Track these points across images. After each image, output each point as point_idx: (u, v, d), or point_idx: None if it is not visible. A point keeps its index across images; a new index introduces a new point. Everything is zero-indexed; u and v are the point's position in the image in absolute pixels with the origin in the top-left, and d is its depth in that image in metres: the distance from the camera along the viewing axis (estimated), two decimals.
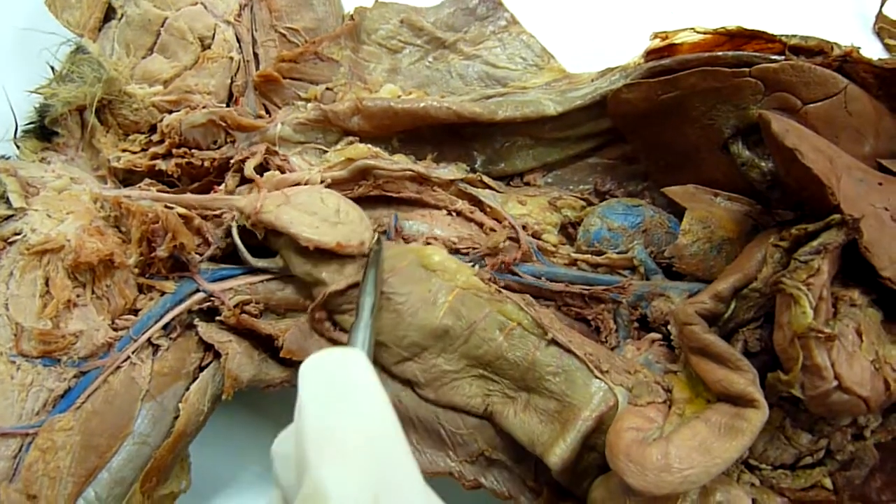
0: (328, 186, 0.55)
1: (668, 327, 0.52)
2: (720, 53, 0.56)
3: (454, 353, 0.50)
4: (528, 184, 0.64)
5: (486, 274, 0.53)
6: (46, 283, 0.48)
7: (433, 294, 0.50)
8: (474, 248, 0.55)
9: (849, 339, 0.44)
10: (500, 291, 0.51)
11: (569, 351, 0.48)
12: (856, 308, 0.46)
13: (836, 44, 0.54)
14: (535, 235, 0.58)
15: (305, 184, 0.54)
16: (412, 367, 0.51)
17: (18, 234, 0.49)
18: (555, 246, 0.57)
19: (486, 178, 0.62)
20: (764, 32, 0.56)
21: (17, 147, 0.56)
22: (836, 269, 0.46)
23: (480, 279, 0.52)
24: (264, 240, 0.53)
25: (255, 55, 0.60)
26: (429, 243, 0.55)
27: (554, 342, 0.49)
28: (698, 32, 0.58)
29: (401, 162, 0.57)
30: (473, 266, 0.54)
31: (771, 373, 0.45)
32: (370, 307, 0.47)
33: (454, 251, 0.55)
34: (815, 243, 0.44)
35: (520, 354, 0.49)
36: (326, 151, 0.59)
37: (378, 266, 0.50)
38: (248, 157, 0.54)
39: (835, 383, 0.43)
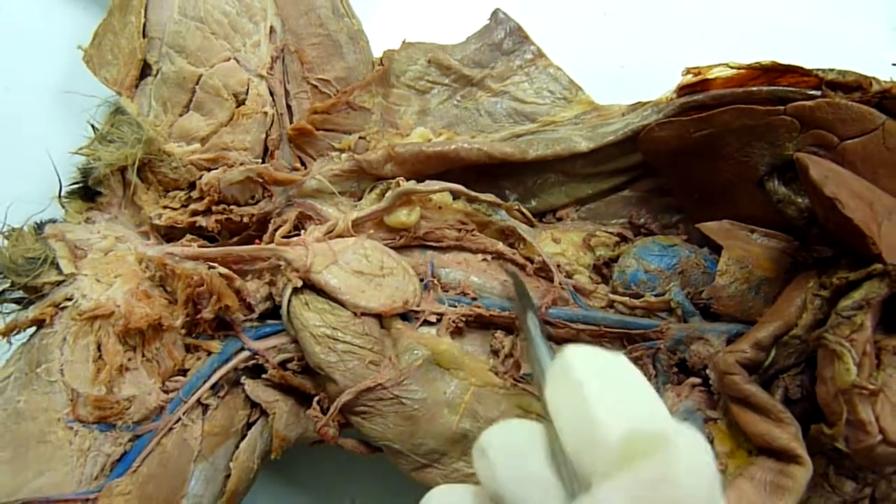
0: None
1: (707, 371, 0.52)
2: (755, 89, 0.55)
3: None
4: (560, 219, 0.64)
5: (501, 366, 0.53)
6: (98, 349, 0.50)
7: (448, 396, 0.50)
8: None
9: (893, 390, 0.44)
10: (515, 384, 0.51)
11: None
12: None
13: (874, 79, 0.53)
14: (568, 276, 0.58)
15: (341, 235, 0.55)
16: (433, 473, 0.51)
17: (69, 299, 0.51)
18: (591, 289, 0.58)
19: (523, 209, 0.62)
20: (799, 67, 0.55)
21: (63, 207, 0.58)
22: (878, 318, 0.46)
23: (495, 372, 0.52)
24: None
25: (289, 107, 0.60)
26: (454, 328, 0.55)
27: None
28: (732, 67, 0.57)
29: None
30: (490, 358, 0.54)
31: (814, 425, 0.45)
32: (537, 327, 0.46)
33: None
34: (856, 296, 0.44)
35: None
36: (361, 199, 0.59)
37: (521, 284, 0.50)
38: (281, 226, 0.55)
39: (879, 437, 0.42)
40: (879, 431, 0.42)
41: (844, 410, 0.43)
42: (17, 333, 0.51)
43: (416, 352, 0.52)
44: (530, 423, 0.36)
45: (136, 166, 0.56)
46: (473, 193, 0.58)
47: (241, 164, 0.56)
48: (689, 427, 0.31)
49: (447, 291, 0.57)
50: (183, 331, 0.52)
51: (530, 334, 0.45)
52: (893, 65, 0.78)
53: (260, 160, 0.58)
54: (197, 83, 0.58)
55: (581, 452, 0.31)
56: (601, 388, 0.32)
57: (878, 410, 0.43)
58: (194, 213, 0.57)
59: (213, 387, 0.51)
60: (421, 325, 0.55)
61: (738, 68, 0.57)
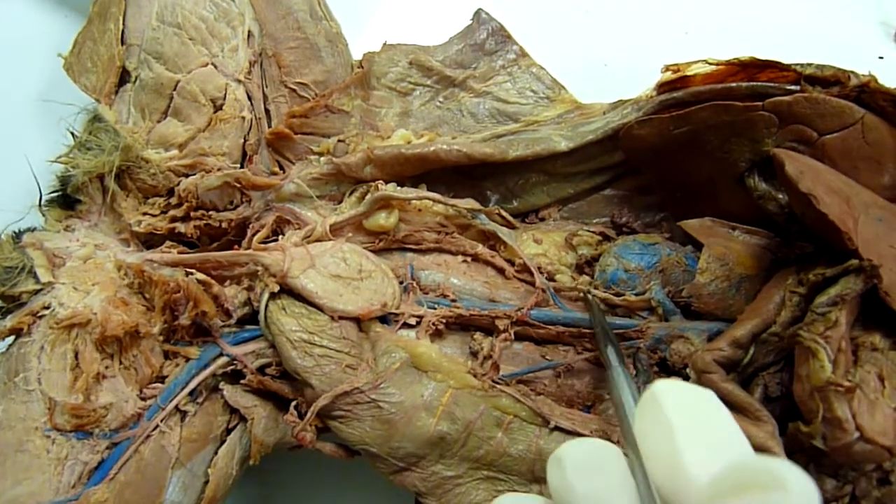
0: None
1: (688, 370, 0.52)
2: (734, 85, 0.55)
3: (453, 457, 0.50)
4: (543, 219, 0.64)
5: (480, 368, 0.53)
6: (76, 357, 0.50)
7: (426, 399, 0.50)
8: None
9: (870, 386, 0.44)
10: (493, 386, 0.51)
11: (574, 433, 0.48)
12: (877, 353, 0.45)
13: (853, 73, 0.52)
14: (549, 277, 0.58)
15: (320, 239, 0.55)
16: (411, 476, 0.50)
17: (47, 307, 0.51)
18: (571, 289, 0.57)
19: (503, 213, 0.62)
20: (777, 62, 0.54)
21: (43, 215, 0.58)
22: (855, 315, 0.46)
23: (473, 374, 0.52)
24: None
25: (267, 111, 0.60)
26: (434, 333, 0.55)
27: (557, 428, 0.49)
28: (711, 64, 0.57)
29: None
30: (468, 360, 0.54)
31: (791, 423, 0.45)
32: (617, 359, 0.47)
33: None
34: (832, 292, 0.44)
35: (522, 447, 0.50)
36: (341, 202, 0.59)
37: (600, 315, 0.52)
38: (258, 231, 0.55)
39: (856, 435, 0.42)
40: (856, 429, 0.42)
41: (820, 408, 0.42)
42: None
43: (393, 355, 0.52)
44: (608, 443, 0.38)
45: (113, 173, 0.56)
46: (452, 201, 0.58)
47: (219, 169, 0.56)
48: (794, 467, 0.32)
49: (427, 294, 0.57)
50: (161, 337, 0.52)
51: (610, 365, 0.47)
52: (880, 58, 0.78)
53: (238, 165, 0.58)
54: (174, 89, 0.58)
55: (670, 489, 0.33)
56: (691, 428, 0.34)
57: (855, 407, 0.42)
58: (173, 220, 0.57)
59: (191, 393, 0.51)
60: (400, 328, 0.54)
61: (718, 64, 0.57)
